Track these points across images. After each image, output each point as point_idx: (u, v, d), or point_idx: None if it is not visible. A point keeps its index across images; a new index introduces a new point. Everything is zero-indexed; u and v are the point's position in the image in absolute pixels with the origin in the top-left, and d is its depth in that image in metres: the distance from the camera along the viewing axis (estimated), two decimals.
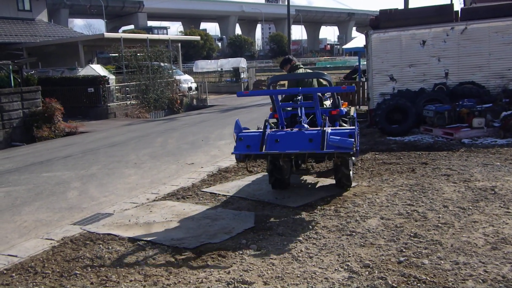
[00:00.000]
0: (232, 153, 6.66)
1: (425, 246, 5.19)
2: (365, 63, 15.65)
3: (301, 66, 9.37)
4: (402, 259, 4.89)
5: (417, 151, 10.65)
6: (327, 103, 8.46)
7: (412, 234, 5.56)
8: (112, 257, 5.59)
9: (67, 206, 8.09)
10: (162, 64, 27.48)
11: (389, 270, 4.65)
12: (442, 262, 4.78)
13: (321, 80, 8.59)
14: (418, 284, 4.32)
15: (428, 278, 4.42)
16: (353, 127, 7.05)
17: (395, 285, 4.31)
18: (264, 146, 6.36)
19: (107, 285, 4.86)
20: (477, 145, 10.75)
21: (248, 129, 7.01)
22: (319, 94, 8.03)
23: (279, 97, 7.86)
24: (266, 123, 6.75)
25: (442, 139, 11.69)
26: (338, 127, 6.99)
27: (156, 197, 8.20)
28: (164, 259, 5.42)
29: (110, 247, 5.89)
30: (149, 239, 6.08)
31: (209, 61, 48.88)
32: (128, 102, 25.10)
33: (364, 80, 16.83)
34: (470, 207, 6.38)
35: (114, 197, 8.52)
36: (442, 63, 13.46)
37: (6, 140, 17.01)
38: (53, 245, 6.13)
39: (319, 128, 6.64)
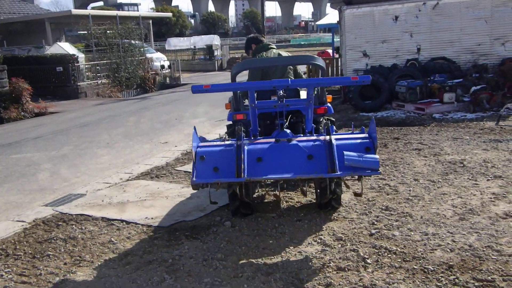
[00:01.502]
0: (192, 183, 4.63)
1: (396, 219, 5.30)
2: (339, 39, 15.67)
3: (273, 46, 6.65)
4: (373, 231, 4.99)
5: (389, 126, 10.79)
6: (303, 94, 6.27)
7: (383, 207, 5.66)
8: (86, 237, 5.55)
9: (38, 188, 7.97)
10: (133, 42, 26.97)
11: (361, 243, 4.74)
12: (412, 233, 4.89)
13: (297, 69, 6.50)
14: (389, 255, 4.42)
15: (398, 249, 4.53)
16: (364, 134, 4.87)
17: (367, 257, 4.40)
18: (242, 169, 4.53)
19: (81, 265, 4.83)
20: (447, 119, 10.95)
21: (205, 139, 5.23)
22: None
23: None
24: (240, 131, 4.82)
25: (414, 114, 11.87)
26: (341, 135, 5.00)
27: (129, 177, 8.14)
28: (139, 238, 5.41)
29: (83, 228, 5.84)
30: (123, 218, 6.05)
31: (182, 38, 48.16)
32: (99, 81, 24.64)
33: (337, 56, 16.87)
34: (440, 180, 6.52)
35: (86, 178, 8.42)
36: (415, 38, 13.58)
37: None
38: (25, 227, 6.03)
39: (313, 137, 4.95)
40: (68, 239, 5.49)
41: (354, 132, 5.11)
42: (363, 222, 5.28)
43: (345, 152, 4.48)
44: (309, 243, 4.82)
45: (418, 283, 3.89)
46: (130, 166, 9.02)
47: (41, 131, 13.84)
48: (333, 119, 6.43)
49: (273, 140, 4.88)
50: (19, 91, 17.88)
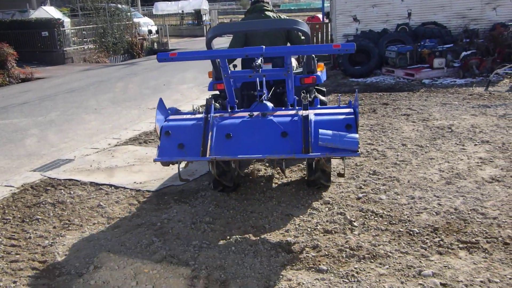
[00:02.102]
0: (154, 160, 4.28)
1: (383, 183, 5.35)
2: (329, 4, 15.45)
3: (268, 7, 6.07)
4: (361, 195, 5.03)
5: (378, 92, 10.78)
6: (292, 63, 5.63)
7: (371, 172, 5.70)
8: (74, 201, 5.55)
9: (26, 153, 7.90)
10: (119, 6, 26.40)
11: (348, 206, 4.79)
12: (399, 197, 4.94)
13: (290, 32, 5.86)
14: (375, 218, 4.48)
15: (385, 212, 4.58)
16: (349, 109, 4.32)
17: (353, 220, 4.45)
18: (208, 147, 4.15)
19: (70, 228, 4.84)
20: (437, 85, 10.95)
21: (179, 111, 4.78)
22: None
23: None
24: (209, 104, 4.40)
25: (404, 80, 11.84)
26: (323, 110, 4.50)
27: (117, 142, 8.09)
28: (127, 202, 5.42)
29: (72, 192, 5.83)
30: (111, 183, 6.04)
31: (170, 2, 47.17)
32: (86, 47, 24.22)
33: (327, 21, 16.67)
34: (428, 145, 6.56)
35: (74, 143, 8.36)
36: (405, 3, 13.44)
37: None
38: (13, 191, 6.01)
39: (293, 111, 4.43)
40: (56, 204, 5.49)
41: (341, 106, 4.65)
42: (351, 186, 5.32)
43: (321, 131, 4.01)
44: (296, 207, 4.86)
45: (404, 245, 3.95)
46: (118, 131, 8.96)
47: (27, 97, 13.65)
48: (323, 89, 6.08)
49: (247, 114, 4.41)
50: (3, 56, 17.48)
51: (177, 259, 3.97)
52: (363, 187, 5.27)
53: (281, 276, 3.60)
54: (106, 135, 8.77)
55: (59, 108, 11.68)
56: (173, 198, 5.38)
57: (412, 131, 7.32)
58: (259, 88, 4.80)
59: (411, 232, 4.14)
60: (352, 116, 4.15)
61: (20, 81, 17.55)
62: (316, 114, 4.25)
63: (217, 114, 4.45)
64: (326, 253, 3.88)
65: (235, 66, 5.83)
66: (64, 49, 22.46)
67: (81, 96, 13.15)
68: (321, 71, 5.71)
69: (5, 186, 6.27)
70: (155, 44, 29.03)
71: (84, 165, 6.93)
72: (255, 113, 4.38)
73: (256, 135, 4.19)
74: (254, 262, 3.81)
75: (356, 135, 3.99)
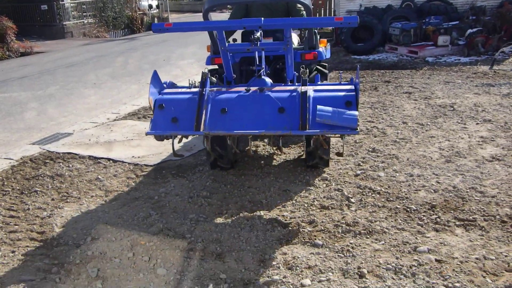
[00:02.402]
0: (147, 134, 4.09)
1: (382, 160, 5.32)
2: None
3: None
4: (359, 172, 5.02)
5: (381, 69, 10.68)
6: (294, 39, 5.65)
7: (370, 149, 5.67)
8: (73, 174, 5.54)
9: (25, 127, 7.88)
10: None
11: (345, 183, 4.77)
12: (397, 174, 4.92)
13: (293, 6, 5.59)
14: (373, 195, 4.46)
15: (382, 189, 4.57)
16: (350, 86, 4.13)
17: (350, 196, 4.44)
18: (202, 121, 4.01)
19: (68, 200, 4.84)
20: (440, 63, 10.84)
21: (175, 84, 4.62)
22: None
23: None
24: (205, 78, 4.28)
25: (407, 57, 11.73)
26: (323, 86, 4.34)
27: (116, 117, 8.07)
28: (125, 175, 5.41)
29: (71, 165, 5.82)
30: (110, 157, 6.03)
31: None
32: (86, 21, 23.97)
33: None
34: (429, 123, 6.51)
35: (73, 117, 8.33)
36: None
37: None
38: (12, 164, 6.01)
39: (291, 87, 4.27)
40: (55, 176, 5.48)
41: (341, 83, 4.46)
42: (349, 163, 5.30)
43: (319, 107, 3.83)
44: (294, 183, 4.85)
45: (400, 221, 3.95)
46: (117, 106, 8.92)
47: (27, 71, 13.57)
48: (325, 64, 5.83)
49: (243, 89, 4.24)
50: (3, 29, 17.33)
51: (174, 231, 3.97)
52: (361, 164, 5.25)
53: (276, 250, 3.61)
54: (105, 109, 8.74)
55: (58, 82, 11.62)
56: (171, 172, 5.37)
57: (414, 109, 7.26)
58: (257, 63, 4.60)
59: (408, 209, 4.13)
60: (353, 93, 3.97)
61: (19, 55, 17.44)
62: (315, 91, 4.09)
63: (213, 89, 4.31)
64: (322, 228, 3.88)
65: (235, 40, 5.74)
66: (64, 23, 22.25)
67: (81, 71, 13.07)
68: (323, 47, 5.57)
69: (5, 158, 6.27)
70: (156, 19, 28.69)
71: (83, 139, 6.91)
72: (252, 88, 4.22)
73: (252, 110, 4.03)
74: (250, 236, 3.81)
75: (356, 112, 3.80)
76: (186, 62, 13.40)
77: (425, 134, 6.11)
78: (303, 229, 3.87)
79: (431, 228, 3.81)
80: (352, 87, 4.09)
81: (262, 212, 4.20)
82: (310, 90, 4.06)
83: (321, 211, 4.21)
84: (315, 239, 3.72)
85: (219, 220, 4.13)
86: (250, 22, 4.15)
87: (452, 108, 7.15)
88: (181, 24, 4.54)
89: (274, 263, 3.45)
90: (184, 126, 4.04)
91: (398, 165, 5.15)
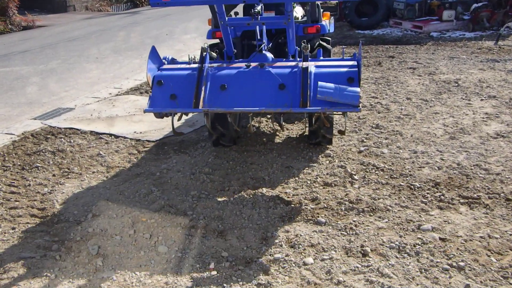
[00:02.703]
0: (145, 111, 4.01)
1: (386, 137, 5.27)
2: None
3: None
4: (362, 148, 4.97)
5: (385, 44, 10.53)
6: (298, 11, 5.64)
7: (374, 126, 5.61)
8: (74, 150, 5.51)
9: (27, 101, 7.83)
10: None
11: (349, 159, 4.73)
12: (401, 151, 4.87)
13: None
14: (376, 172, 4.43)
15: (386, 166, 4.53)
16: (352, 61, 4.01)
17: (354, 173, 4.40)
18: (202, 98, 3.90)
19: (69, 176, 4.82)
20: (445, 38, 10.68)
21: (175, 60, 4.49)
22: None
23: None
24: (204, 53, 4.18)
25: (411, 32, 11.57)
26: (325, 61, 4.19)
27: (118, 92, 8.00)
28: (127, 151, 5.38)
29: (72, 141, 5.79)
30: (111, 132, 5.99)
31: None
32: None
33: None
34: (433, 99, 6.43)
35: (75, 92, 8.26)
36: None
37: None
38: (14, 139, 5.98)
39: (293, 62, 4.14)
40: (56, 152, 5.46)
41: (344, 58, 4.32)
42: (353, 140, 5.25)
43: (320, 83, 3.72)
44: (296, 159, 4.81)
45: (404, 199, 3.92)
46: (119, 81, 8.84)
47: (28, 45, 13.44)
48: (329, 39, 5.66)
49: (243, 65, 4.13)
50: (4, 2, 17.12)
51: (175, 208, 3.95)
52: (365, 140, 5.20)
53: (278, 227, 3.59)
54: (107, 84, 8.66)
55: (60, 56, 11.50)
56: (173, 148, 5.34)
57: (418, 85, 7.17)
58: (259, 37, 4.47)
59: (412, 187, 4.10)
60: (355, 69, 3.86)
61: (21, 28, 17.28)
62: (316, 66, 3.96)
63: (214, 64, 4.18)
64: (325, 205, 3.85)
65: (236, 13, 5.63)
66: None
67: (83, 45, 12.94)
68: (327, 20, 5.47)
69: (6, 133, 6.23)
70: None
71: (84, 114, 6.86)
72: (253, 64, 4.10)
73: (252, 87, 3.92)
74: (252, 213, 3.79)
75: (358, 89, 3.69)
76: (189, 37, 13.24)
77: (429, 110, 6.04)
78: (305, 207, 3.85)
79: (435, 206, 3.78)
80: (354, 62, 3.99)
81: (264, 189, 4.17)
82: (311, 66, 3.95)
83: (324, 188, 4.18)
84: (318, 216, 3.70)
85: (221, 197, 4.11)
86: None
87: (456, 84, 7.05)
88: None
89: (276, 241, 3.43)
90: (183, 103, 3.94)
91: (402, 142, 5.10)
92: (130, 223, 3.69)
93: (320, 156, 4.84)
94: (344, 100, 3.67)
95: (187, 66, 4.26)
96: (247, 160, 4.84)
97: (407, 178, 4.27)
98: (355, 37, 11.59)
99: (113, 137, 5.86)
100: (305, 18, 5.49)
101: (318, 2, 5.32)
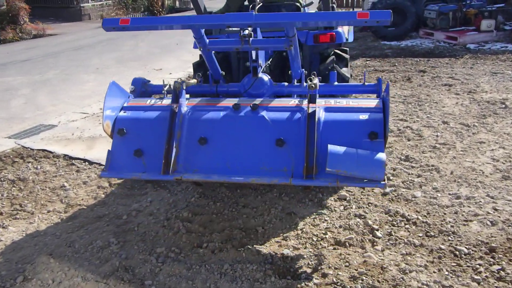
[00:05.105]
0: (101, 176, 3.05)
1: (418, 173, 4.15)
2: None
3: None
4: (388, 190, 3.87)
5: (414, 57, 9.38)
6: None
7: (402, 157, 4.51)
8: (37, 179, 4.58)
9: (8, 116, 6.95)
10: None
11: (370, 205, 3.63)
12: (439, 195, 3.75)
13: None
14: (407, 226, 3.32)
15: (419, 217, 3.41)
16: (375, 101, 2.95)
17: (376, 227, 3.30)
18: (174, 157, 2.93)
19: (18, 216, 3.87)
20: (484, 50, 9.45)
21: (147, 84, 3.61)
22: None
23: None
24: (178, 90, 3.07)
25: (444, 44, 10.38)
26: (339, 101, 3.03)
27: None
28: (97, 183, 4.39)
29: (39, 167, 4.86)
30: (86, 157, 5.06)
31: None
32: (104, 3, 23.04)
33: None
34: (476, 124, 5.28)
35: (63, 106, 7.37)
36: None
37: None
38: None
39: (294, 101, 3.08)
40: (17, 181, 4.55)
41: (366, 84, 3.37)
42: None
43: (330, 149, 2.66)
44: (302, 202, 3.72)
45: (446, 272, 2.79)
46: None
47: (32, 54, 12.70)
48: (346, 49, 4.44)
49: (232, 103, 3.08)
50: (15, 10, 16.54)
51: (132, 273, 2.93)
52: (391, 178, 4.09)
53: None
54: (100, 98, 7.69)
55: (59, 66, 10.69)
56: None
57: (456, 105, 6.02)
58: (253, 58, 3.37)
59: (457, 252, 2.98)
60: (380, 115, 2.79)
61: (32, 37, 16.67)
62: (327, 110, 2.91)
63: (193, 101, 3.15)
64: (334, 280, 2.76)
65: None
66: (82, 5, 21.36)
67: (86, 54, 12.13)
68: (345, 27, 4.39)
69: None
70: (177, 2, 27.67)
71: (65, 133, 5.98)
72: (243, 102, 3.07)
73: (241, 141, 2.94)
74: None
75: (383, 156, 2.63)
76: None
77: (472, 138, 4.90)
78: (306, 284, 2.75)
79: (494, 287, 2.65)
80: (379, 104, 2.89)
81: (255, 247, 3.11)
82: (320, 110, 2.88)
83: (334, 249, 3.09)
84: None
85: (195, 258, 3.06)
86: (236, 19, 2.93)
87: (503, 105, 5.88)
88: (142, 21, 3.41)
89: None
90: (152, 163, 2.93)
91: (440, 181, 3.98)
92: None
93: (332, 198, 3.76)
94: (363, 174, 2.63)
95: (158, 103, 3.19)
96: (239, 201, 3.78)
97: (450, 238, 3.15)
98: (381, 48, 10.47)
99: (87, 163, 4.92)
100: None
101: (334, 5, 4.23)
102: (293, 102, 3.05)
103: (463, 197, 3.67)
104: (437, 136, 5.01)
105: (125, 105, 3.19)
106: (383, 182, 2.62)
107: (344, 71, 3.99)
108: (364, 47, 10.63)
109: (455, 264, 2.86)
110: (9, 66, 11.04)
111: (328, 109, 2.91)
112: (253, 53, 3.32)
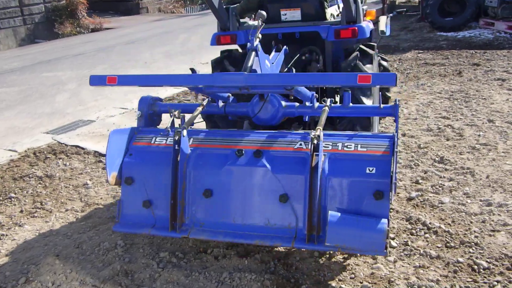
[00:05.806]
0: (113, 230, 2.93)
1: (451, 177, 3.83)
2: None
3: None
4: (414, 194, 3.58)
5: (470, 49, 8.81)
6: (333, 10, 4.31)
7: (437, 158, 4.18)
8: (63, 176, 4.66)
9: (50, 111, 7.18)
10: None
11: (391, 211, 3.36)
12: (469, 201, 3.43)
13: None
14: (426, 235, 3.05)
15: (442, 225, 3.12)
16: (384, 147, 2.62)
17: (393, 235, 3.05)
18: (181, 210, 2.78)
19: (36, 215, 3.92)
20: None
21: (157, 103, 3.45)
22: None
23: None
24: (181, 132, 2.75)
25: (505, 34, 9.70)
26: (346, 144, 2.68)
27: None
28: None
29: (68, 164, 4.96)
30: None
31: None
32: None
33: None
34: None
35: (105, 101, 7.51)
36: None
37: (29, 37, 16.14)
38: (13, 158, 5.28)
39: (300, 143, 2.77)
40: (44, 177, 4.67)
41: (382, 107, 3.00)
42: (404, 179, 3.87)
43: (330, 218, 2.45)
44: None
45: None
46: (157, 89, 7.94)
47: (85, 48, 13.10)
48: (373, 44, 4.02)
49: (235, 145, 2.85)
50: (74, 5, 17.14)
51: (131, 278, 2.87)
52: (420, 181, 3.80)
53: None
54: (143, 93, 7.76)
55: (109, 60, 10.95)
56: None
57: (506, 102, 5.56)
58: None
59: (475, 266, 2.69)
60: (388, 166, 2.52)
61: (90, 31, 17.25)
62: (332, 161, 2.63)
63: (195, 140, 2.92)
64: None
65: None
66: None
67: (137, 48, 12.36)
68: (369, 20, 4.05)
69: (9, 150, 5.61)
70: None
71: (101, 129, 6.10)
72: (246, 145, 2.82)
73: (245, 194, 2.73)
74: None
75: (384, 225, 2.39)
76: None
77: None
78: None
79: None
80: (387, 149, 2.59)
81: (259, 255, 2.94)
82: (325, 161, 2.62)
83: (344, 258, 2.89)
84: None
85: (197, 263, 2.94)
86: (226, 81, 2.70)
87: None
88: (129, 79, 3.20)
89: None
90: (160, 215, 2.79)
91: (473, 186, 3.65)
92: None
93: None
94: (362, 247, 2.46)
95: (164, 143, 2.95)
96: None
97: (471, 250, 2.85)
98: (436, 40, 9.92)
99: None
100: (339, 18, 4.01)
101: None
102: (298, 146, 2.76)
103: (495, 204, 3.33)
104: (479, 135, 4.62)
105: (132, 144, 3.00)
106: (385, 251, 2.40)
107: (368, 68, 3.71)
108: (418, 39, 10.13)
109: (470, 279, 2.58)
110: (62, 61, 11.44)
111: (333, 160, 2.63)
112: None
